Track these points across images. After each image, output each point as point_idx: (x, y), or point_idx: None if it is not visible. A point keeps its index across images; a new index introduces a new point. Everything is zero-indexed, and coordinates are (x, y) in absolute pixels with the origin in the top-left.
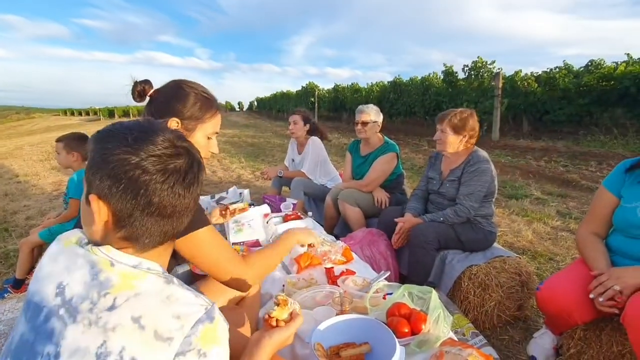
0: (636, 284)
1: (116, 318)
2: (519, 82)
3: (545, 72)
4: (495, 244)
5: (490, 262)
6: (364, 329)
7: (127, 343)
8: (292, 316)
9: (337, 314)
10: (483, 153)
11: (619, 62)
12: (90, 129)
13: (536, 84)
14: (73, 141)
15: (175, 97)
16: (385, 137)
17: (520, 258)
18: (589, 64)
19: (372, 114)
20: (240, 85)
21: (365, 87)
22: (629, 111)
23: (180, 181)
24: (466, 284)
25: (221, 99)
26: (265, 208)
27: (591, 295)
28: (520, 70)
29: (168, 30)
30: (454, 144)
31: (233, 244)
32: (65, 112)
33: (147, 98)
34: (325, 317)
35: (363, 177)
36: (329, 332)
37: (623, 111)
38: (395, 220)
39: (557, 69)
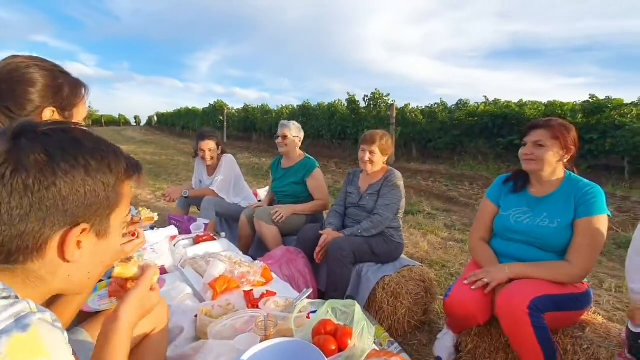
0: (500, 278)
1: None
2: (408, 114)
3: (428, 106)
4: (402, 255)
5: (399, 271)
6: (291, 353)
7: None
8: (143, 270)
9: (261, 340)
10: (398, 173)
11: (480, 102)
12: None
13: (421, 116)
14: None
15: (25, 82)
16: (306, 154)
17: (422, 266)
18: (459, 102)
19: (293, 130)
20: (136, 98)
21: (276, 109)
22: (488, 142)
23: None
24: (380, 294)
25: (114, 111)
26: (171, 230)
27: (465, 282)
28: (409, 104)
29: (45, 30)
30: (378, 163)
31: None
32: None
33: None
34: (249, 345)
35: (287, 193)
36: None
37: (484, 142)
38: (320, 232)
39: (436, 105)
